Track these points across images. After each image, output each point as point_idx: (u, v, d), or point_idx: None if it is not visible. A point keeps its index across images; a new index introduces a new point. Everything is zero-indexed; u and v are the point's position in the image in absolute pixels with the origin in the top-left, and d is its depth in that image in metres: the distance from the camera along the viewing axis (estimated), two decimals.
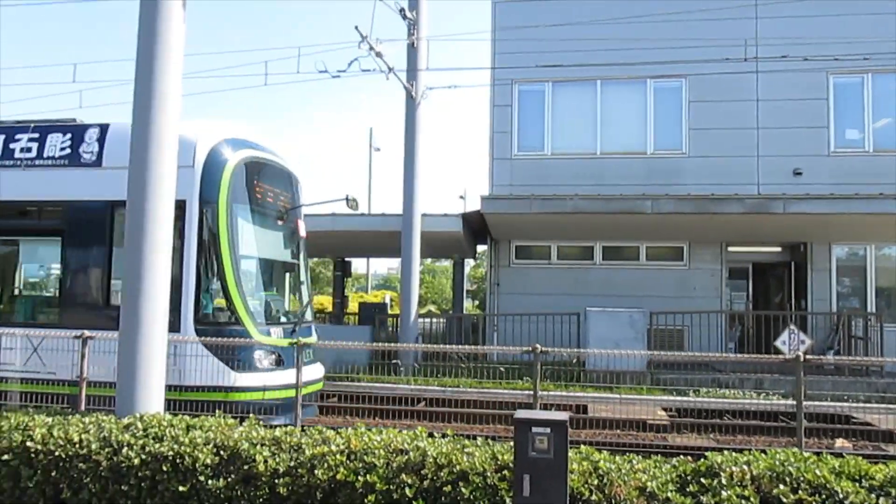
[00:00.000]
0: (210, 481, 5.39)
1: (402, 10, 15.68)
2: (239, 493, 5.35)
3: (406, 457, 5.28)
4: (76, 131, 10.04)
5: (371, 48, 13.93)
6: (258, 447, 5.55)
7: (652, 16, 17.42)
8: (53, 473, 5.65)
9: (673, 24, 17.83)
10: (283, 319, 10.29)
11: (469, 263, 38.36)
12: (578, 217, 16.95)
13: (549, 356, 8.72)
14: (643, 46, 17.43)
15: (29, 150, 10.10)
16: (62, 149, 9.98)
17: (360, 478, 5.17)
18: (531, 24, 18.37)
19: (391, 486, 5.10)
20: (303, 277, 11.24)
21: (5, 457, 5.74)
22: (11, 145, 10.16)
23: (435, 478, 5.08)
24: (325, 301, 37.51)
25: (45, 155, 10.01)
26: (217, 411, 6.60)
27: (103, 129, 9.95)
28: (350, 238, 20.88)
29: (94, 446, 5.65)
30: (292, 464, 5.40)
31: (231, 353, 9.06)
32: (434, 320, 21.74)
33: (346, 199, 11.11)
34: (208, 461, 5.48)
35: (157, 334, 6.43)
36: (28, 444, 5.74)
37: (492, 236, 19.55)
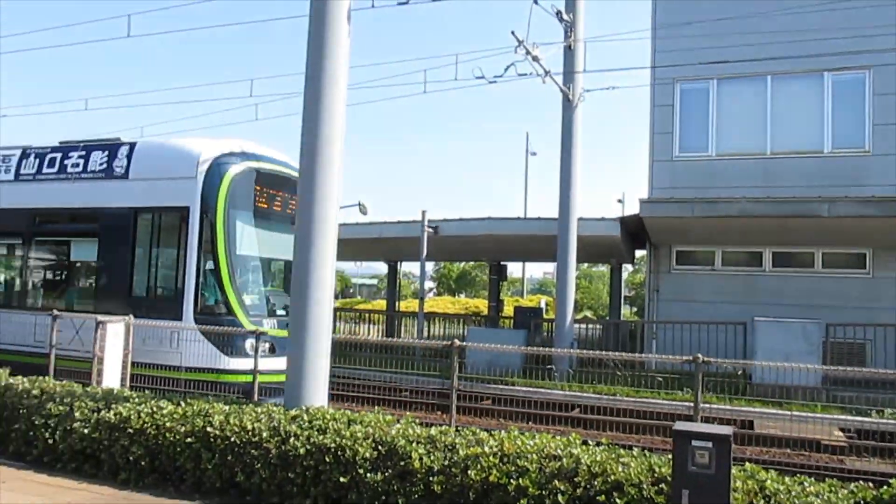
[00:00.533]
0: (369, 474, 5.61)
1: (558, 13, 15.55)
2: (395, 487, 5.52)
3: (559, 463, 5.23)
4: (112, 149, 11.50)
5: (527, 52, 13.90)
6: (414, 444, 5.71)
7: (829, 3, 16.16)
8: (229, 458, 6.11)
9: (854, 11, 16.44)
10: (280, 312, 10.83)
11: (627, 269, 37.31)
12: (746, 221, 16.02)
13: (711, 367, 8.29)
14: (819, 37, 16.18)
15: (77, 165, 11.72)
16: (100, 164, 11.50)
17: (512, 481, 5.18)
18: (693, 19, 17.61)
19: (543, 492, 5.07)
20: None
21: (189, 439, 6.27)
22: (65, 161, 11.84)
23: (588, 486, 4.99)
24: (481, 304, 37.90)
25: (88, 169, 11.58)
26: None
27: (132, 146, 11.43)
28: (505, 242, 20.98)
29: (264, 434, 6.05)
30: (446, 463, 5.50)
31: (223, 340, 10.02)
32: (590, 326, 21.35)
33: (359, 204, 10.84)
34: (367, 455, 5.70)
35: (322, 335, 6.80)
36: (208, 429, 6.23)
37: (651, 241, 18.92)
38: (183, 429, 6.34)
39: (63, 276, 12.55)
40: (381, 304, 52.87)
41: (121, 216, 11.09)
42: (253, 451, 6.03)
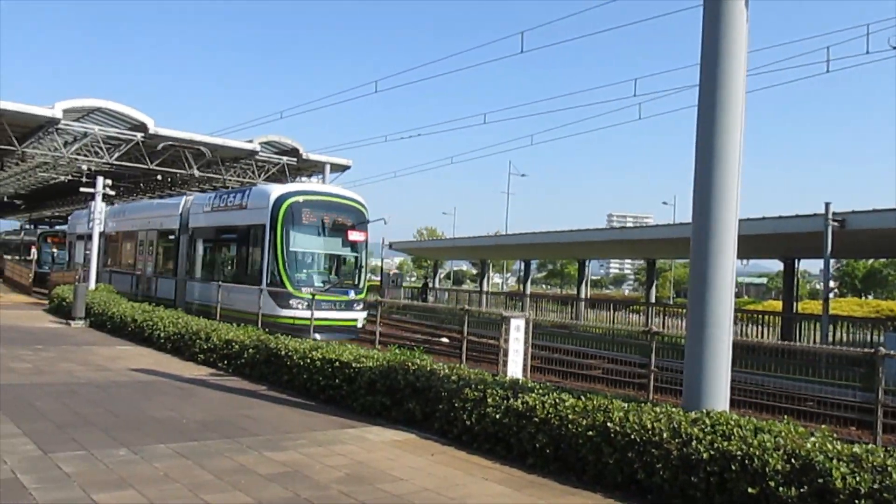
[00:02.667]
0: (781, 488, 5.21)
1: None
2: None
3: None
4: (243, 191, 20.77)
5: None
6: (834, 461, 5.15)
7: None
8: (629, 454, 6.18)
9: None
10: (318, 285, 18.31)
11: None
12: None
13: None
14: None
15: (230, 201, 20.90)
16: (237, 200, 20.37)
17: None
18: None
19: None
20: (351, 262, 19.73)
21: (590, 433, 6.49)
22: (226, 198, 21.33)
23: None
24: None
25: (231, 203, 20.60)
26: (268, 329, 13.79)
27: (250, 189, 20.92)
28: None
29: (665, 435, 5.99)
30: (876, 486, 4.87)
31: (277, 298, 17.67)
32: None
33: (383, 220, 20.70)
34: (778, 467, 5.30)
35: (722, 336, 6.49)
36: (608, 424, 6.38)
37: None
38: (584, 422, 6.58)
39: (220, 262, 21.53)
40: (771, 304, 49.04)
41: (242, 229, 19.73)
42: (653, 450, 6.01)
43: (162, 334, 14.71)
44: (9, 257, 47.80)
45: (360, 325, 18.47)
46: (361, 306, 18.83)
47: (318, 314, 15.39)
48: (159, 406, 9.08)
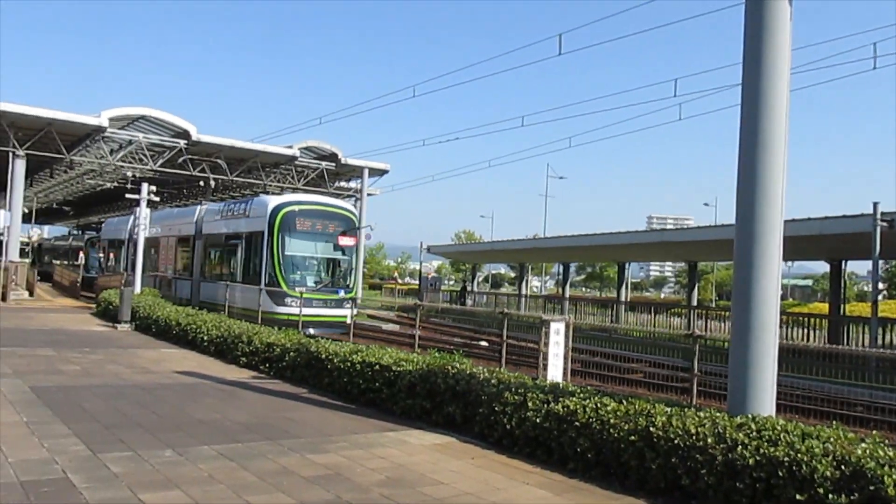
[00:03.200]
0: (830, 495, 5.09)
1: None
2: None
3: None
4: (245, 201, 23.33)
5: None
6: (886, 468, 5.01)
7: None
8: (673, 459, 6.09)
9: None
10: (310, 285, 20.87)
11: None
12: None
13: None
14: None
15: (231, 210, 23.81)
16: (239, 209, 23.13)
17: None
18: None
19: None
20: (341, 265, 22.21)
21: (632, 437, 6.42)
22: (230, 208, 24.09)
23: None
24: None
25: (237, 212, 23.12)
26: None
27: (252, 199, 23.49)
28: None
29: (709, 440, 5.89)
30: None
31: (274, 297, 20.03)
32: None
33: (369, 227, 26.91)
34: (828, 474, 5.18)
35: (768, 340, 6.37)
36: (651, 429, 6.30)
37: None
38: (626, 427, 6.51)
39: (227, 265, 23.77)
40: (817, 306, 47.98)
41: (245, 235, 22.14)
42: (697, 455, 5.92)
43: (205, 337, 14.96)
44: (58, 262, 49.02)
45: (348, 321, 19.69)
46: (350, 304, 20.83)
47: (309, 311, 18.62)
48: (203, 408, 9.23)
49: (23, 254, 46.23)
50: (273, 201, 21.71)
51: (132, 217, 25.91)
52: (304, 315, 18.45)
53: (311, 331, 16.08)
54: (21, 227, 38.03)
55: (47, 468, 6.10)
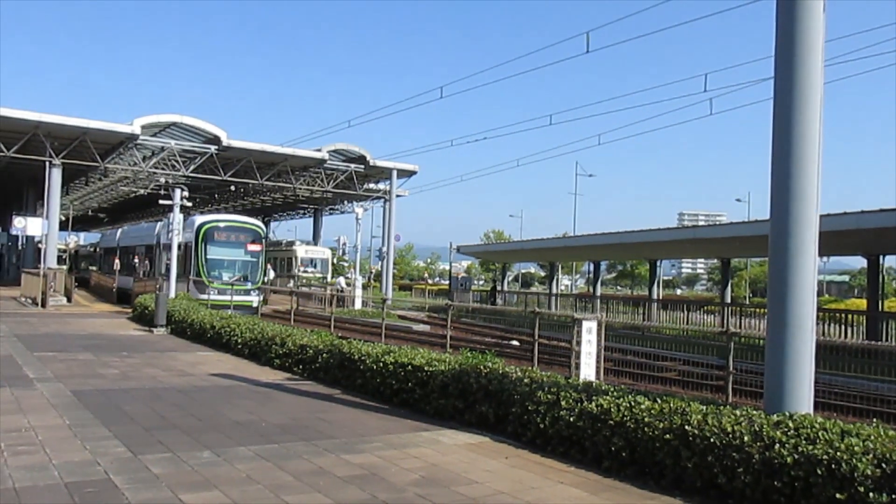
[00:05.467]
0: (871, 493, 5.01)
1: None
2: None
3: None
4: (186, 219, 29.36)
5: None
6: None
7: None
8: (709, 458, 6.04)
9: None
10: (224, 279, 28.37)
11: None
12: None
13: None
14: None
15: (137, 232, 40.60)
16: (144, 229, 40.30)
17: None
18: None
19: None
20: (249, 264, 29.94)
21: (667, 436, 6.38)
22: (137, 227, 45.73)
23: None
24: None
25: (182, 227, 26.90)
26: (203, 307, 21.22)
27: (191, 217, 31.35)
28: None
29: (745, 438, 5.83)
30: None
31: (198, 287, 27.77)
32: None
33: (272, 233, 48.70)
34: (868, 472, 5.10)
35: (805, 336, 6.28)
36: (686, 427, 6.26)
37: None
38: (661, 425, 6.47)
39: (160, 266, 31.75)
40: (854, 303, 47.11)
41: (183, 244, 27.42)
42: (733, 453, 5.86)
43: (239, 340, 15.15)
44: (94, 268, 50.00)
45: (255, 305, 26.07)
46: (256, 293, 28.14)
47: (224, 297, 25.58)
48: (239, 409, 9.35)
49: (60, 261, 47.24)
50: (199, 219, 30.48)
51: (158, 224, 32.97)
52: (220, 300, 25.41)
53: (230, 311, 21.00)
54: (58, 234, 38.98)
55: (90, 469, 6.24)
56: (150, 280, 29.90)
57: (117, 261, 38.77)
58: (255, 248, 30.20)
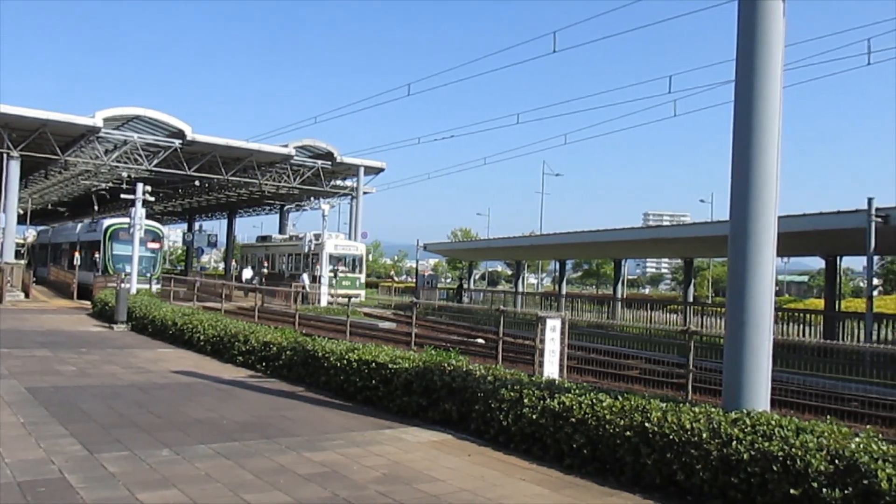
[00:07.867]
0: (825, 489, 5.12)
1: None
2: None
3: None
4: (98, 222, 40.84)
5: None
6: (879, 462, 5.05)
7: None
8: (668, 455, 6.11)
9: None
10: (127, 270, 30.10)
11: None
12: None
13: None
14: None
15: (93, 227, 41.17)
16: (95, 227, 40.38)
17: None
18: None
19: None
20: (150, 259, 37.38)
21: (627, 433, 6.44)
22: (91, 226, 41.68)
23: None
24: None
25: (92, 229, 40.62)
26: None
27: (101, 221, 41.13)
28: None
29: (704, 435, 5.92)
30: None
31: (106, 276, 33.54)
32: None
33: (168, 237, 59.96)
34: (822, 468, 5.21)
35: (762, 335, 6.40)
36: (646, 425, 6.33)
37: None
38: (622, 422, 6.53)
39: (90, 259, 38.49)
40: (813, 302, 48.06)
41: (96, 243, 37.91)
42: (692, 450, 5.94)
43: (202, 337, 14.96)
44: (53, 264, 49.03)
45: (154, 290, 29.10)
46: (156, 281, 31.83)
47: (125, 285, 26.77)
48: (200, 407, 9.24)
49: (18, 255, 46.21)
50: (107, 222, 39.09)
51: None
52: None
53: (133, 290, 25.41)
54: (16, 228, 38.24)
55: (44, 468, 6.11)
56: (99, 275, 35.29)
57: (77, 255, 38.53)
58: (154, 245, 37.70)
